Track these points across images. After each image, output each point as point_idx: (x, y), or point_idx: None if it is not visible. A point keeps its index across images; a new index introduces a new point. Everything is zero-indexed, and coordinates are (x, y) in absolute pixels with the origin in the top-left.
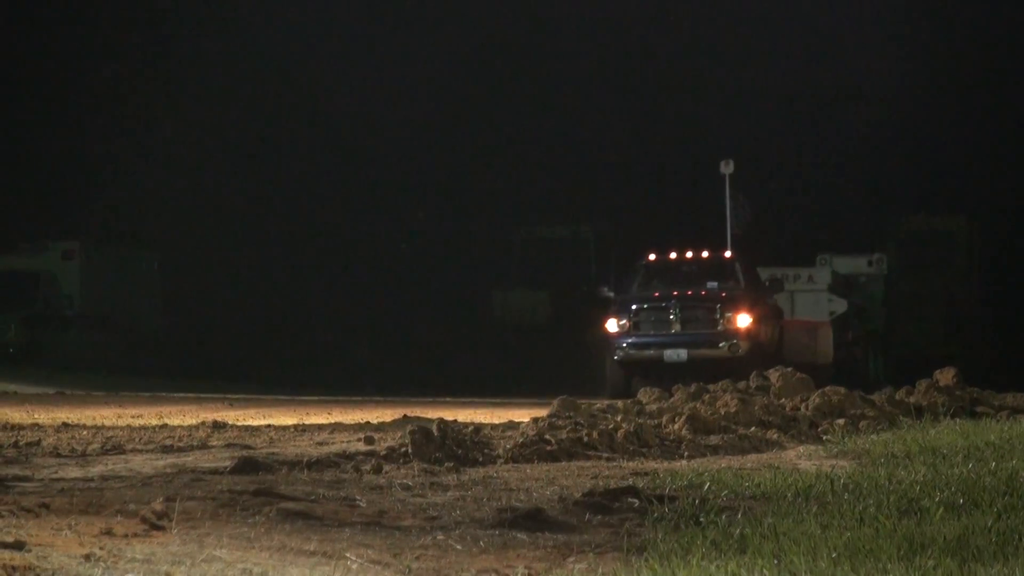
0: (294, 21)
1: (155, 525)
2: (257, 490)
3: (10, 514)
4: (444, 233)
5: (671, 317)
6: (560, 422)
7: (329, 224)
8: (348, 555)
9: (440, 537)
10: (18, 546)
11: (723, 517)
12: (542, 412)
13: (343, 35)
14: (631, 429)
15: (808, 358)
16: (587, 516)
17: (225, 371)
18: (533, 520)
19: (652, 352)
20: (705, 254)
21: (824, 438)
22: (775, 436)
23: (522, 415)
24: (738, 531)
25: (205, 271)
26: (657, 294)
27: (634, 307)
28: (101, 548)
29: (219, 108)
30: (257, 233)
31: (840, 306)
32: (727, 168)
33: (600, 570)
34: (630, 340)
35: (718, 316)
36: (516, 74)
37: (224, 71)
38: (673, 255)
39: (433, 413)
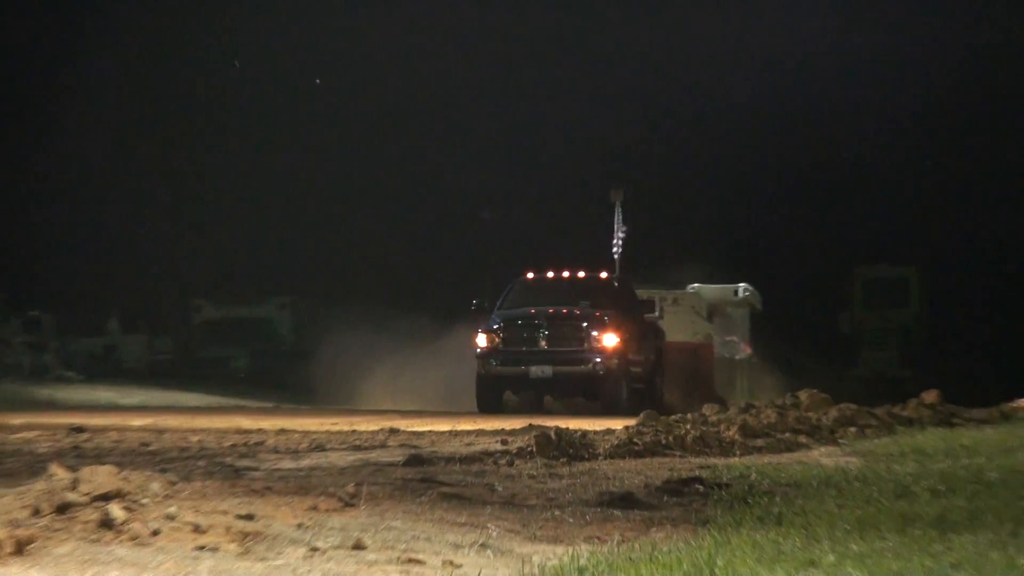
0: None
1: (348, 503)
2: (422, 478)
3: (243, 494)
4: None
5: (538, 334)
6: (645, 429)
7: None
8: (489, 525)
9: (557, 513)
10: (249, 517)
11: (765, 499)
12: (631, 422)
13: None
14: (697, 434)
15: (690, 378)
16: (665, 498)
17: (396, 393)
18: (625, 501)
19: (519, 367)
20: (581, 274)
21: (840, 441)
22: (804, 440)
23: (616, 424)
24: (776, 510)
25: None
26: (532, 310)
27: (503, 322)
28: (309, 519)
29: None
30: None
31: (702, 328)
32: (617, 197)
33: (675, 537)
34: (499, 355)
35: (584, 334)
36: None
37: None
38: (550, 274)
39: (551, 423)
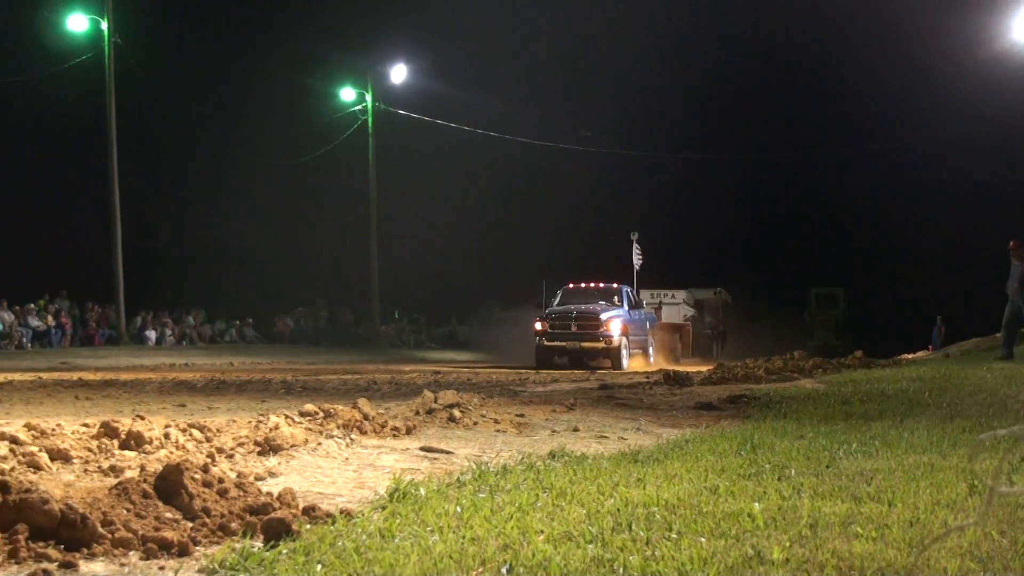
0: None
1: (570, 408)
2: (607, 395)
3: (518, 404)
4: None
5: (570, 323)
6: (717, 370)
7: None
8: (640, 419)
9: (674, 412)
10: (521, 415)
11: (777, 405)
12: (711, 367)
13: None
14: (743, 372)
15: (674, 348)
16: (728, 405)
17: (506, 351)
18: (708, 406)
19: (559, 342)
20: (601, 285)
21: (814, 376)
22: (796, 375)
23: (703, 368)
24: (783, 410)
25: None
26: (571, 307)
27: (549, 315)
28: (550, 416)
29: None
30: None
31: (689, 312)
32: (634, 236)
33: (733, 425)
34: (547, 335)
35: (598, 323)
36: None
37: None
38: (583, 284)
39: (670, 367)
